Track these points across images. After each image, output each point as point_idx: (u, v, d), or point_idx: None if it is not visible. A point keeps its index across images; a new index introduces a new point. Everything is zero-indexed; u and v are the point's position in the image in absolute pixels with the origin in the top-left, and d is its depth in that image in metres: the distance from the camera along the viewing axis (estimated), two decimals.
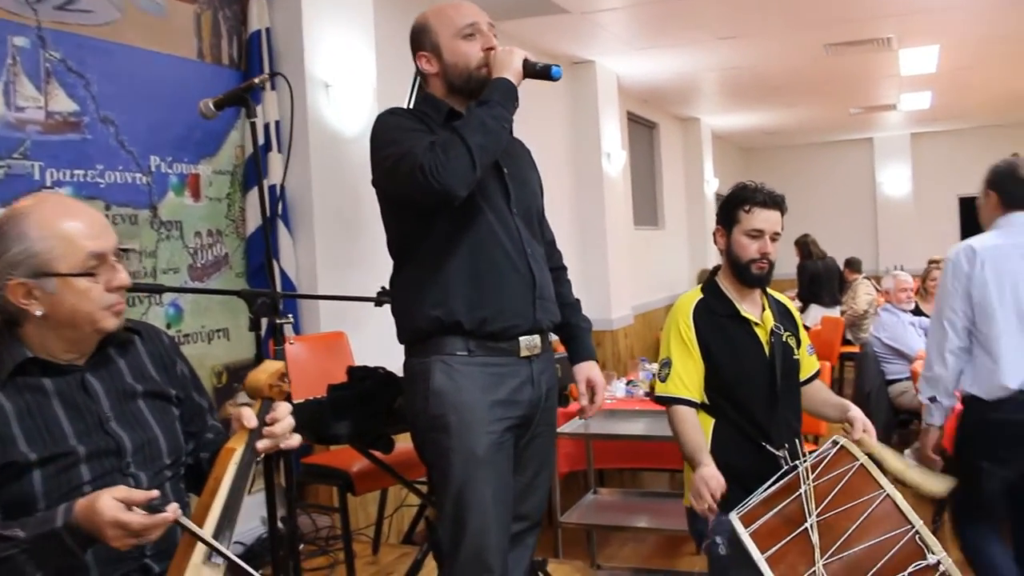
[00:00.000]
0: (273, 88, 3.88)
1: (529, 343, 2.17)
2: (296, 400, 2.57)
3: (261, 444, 1.61)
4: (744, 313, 2.53)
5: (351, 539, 3.39)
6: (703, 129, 11.03)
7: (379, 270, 2.39)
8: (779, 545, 1.92)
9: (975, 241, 2.87)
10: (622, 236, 7.72)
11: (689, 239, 10.91)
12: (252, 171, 3.79)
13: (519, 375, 2.15)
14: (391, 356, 2.47)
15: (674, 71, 7.89)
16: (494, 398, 2.10)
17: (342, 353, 3.79)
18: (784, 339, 2.57)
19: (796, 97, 9.55)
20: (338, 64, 4.08)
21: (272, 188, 3.80)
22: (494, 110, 2.03)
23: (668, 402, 2.48)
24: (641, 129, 9.47)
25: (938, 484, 2.25)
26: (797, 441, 2.54)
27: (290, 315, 2.50)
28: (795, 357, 2.60)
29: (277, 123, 3.89)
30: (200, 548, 1.44)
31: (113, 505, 1.39)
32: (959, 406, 2.95)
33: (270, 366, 1.67)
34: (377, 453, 2.92)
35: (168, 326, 3.51)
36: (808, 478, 2.02)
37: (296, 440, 1.70)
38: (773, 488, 2.13)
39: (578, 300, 2.46)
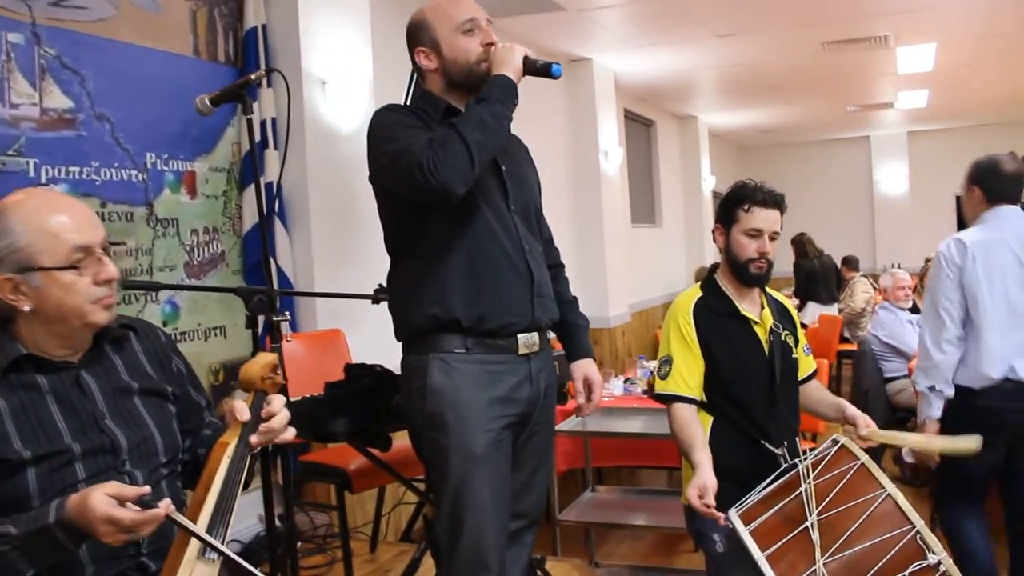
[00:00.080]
0: (270, 85, 3.86)
1: (527, 341, 2.16)
2: (293, 398, 2.56)
3: (255, 438, 1.60)
4: (743, 312, 2.52)
5: (349, 537, 3.38)
6: (700, 127, 11.02)
7: (376, 267, 2.38)
8: (779, 544, 1.92)
9: (964, 235, 2.95)
10: (619, 234, 7.71)
11: (686, 237, 10.90)
12: (249, 168, 3.78)
13: (517, 373, 2.14)
14: (389, 353, 2.46)
15: (671, 69, 7.88)
16: (492, 396, 2.09)
17: (339, 351, 3.78)
18: (783, 338, 2.56)
19: (793, 95, 9.54)
20: (335, 61, 4.07)
21: (269, 185, 3.78)
22: (494, 107, 2.02)
23: (669, 400, 2.47)
24: (638, 127, 9.46)
25: (968, 443, 2.26)
26: (796, 440, 2.54)
27: (287, 312, 2.50)
28: (794, 356, 2.60)
29: (274, 120, 3.87)
30: (194, 543, 1.43)
31: (105, 501, 1.38)
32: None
33: (263, 358, 1.67)
34: (375, 451, 2.91)
35: (164, 324, 3.50)
36: (809, 477, 2.01)
37: (291, 434, 1.69)
38: (772, 486, 2.12)
39: (575, 298, 2.45)
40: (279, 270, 3.84)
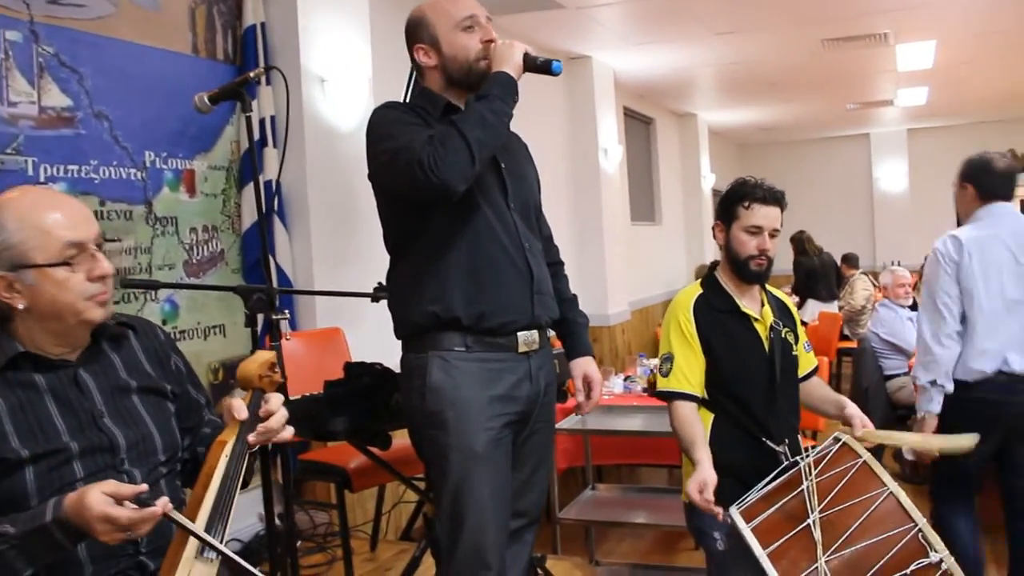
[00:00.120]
0: (268, 83, 3.86)
1: (527, 339, 2.15)
2: (293, 396, 2.56)
3: (252, 437, 1.60)
4: (744, 309, 2.52)
5: (349, 535, 3.37)
6: (700, 125, 11.01)
7: (376, 265, 2.38)
8: (781, 541, 1.91)
9: (959, 233, 3.00)
10: (619, 232, 7.70)
11: (686, 235, 10.89)
12: (248, 166, 3.77)
13: (517, 371, 2.14)
14: (388, 352, 2.45)
15: (671, 66, 7.87)
16: (492, 394, 2.09)
17: (339, 349, 3.78)
18: (783, 335, 2.56)
19: (793, 93, 9.53)
20: (334, 59, 4.06)
21: (268, 183, 3.78)
22: (494, 104, 2.01)
23: (671, 397, 2.46)
24: (638, 125, 9.45)
25: (965, 440, 2.26)
26: (797, 437, 2.54)
27: (286, 311, 2.49)
28: (794, 353, 2.59)
29: (273, 118, 3.87)
30: (192, 542, 1.43)
31: (101, 499, 1.38)
32: None
33: (260, 356, 1.66)
34: (375, 449, 2.91)
35: (164, 322, 3.50)
36: (811, 474, 2.00)
37: (289, 433, 1.68)
38: (774, 484, 2.11)
39: (575, 296, 2.44)
40: (278, 268, 3.83)
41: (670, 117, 10.48)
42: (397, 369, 2.28)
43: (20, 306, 1.57)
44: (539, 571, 3.01)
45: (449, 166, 1.93)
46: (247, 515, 3.56)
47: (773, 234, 2.51)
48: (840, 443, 2.09)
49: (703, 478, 2.20)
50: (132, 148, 3.38)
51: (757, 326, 2.52)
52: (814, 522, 1.92)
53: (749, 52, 7.42)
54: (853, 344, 7.24)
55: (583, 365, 2.34)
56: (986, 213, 3.02)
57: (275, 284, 3.72)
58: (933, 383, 2.98)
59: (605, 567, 4.22)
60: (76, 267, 1.58)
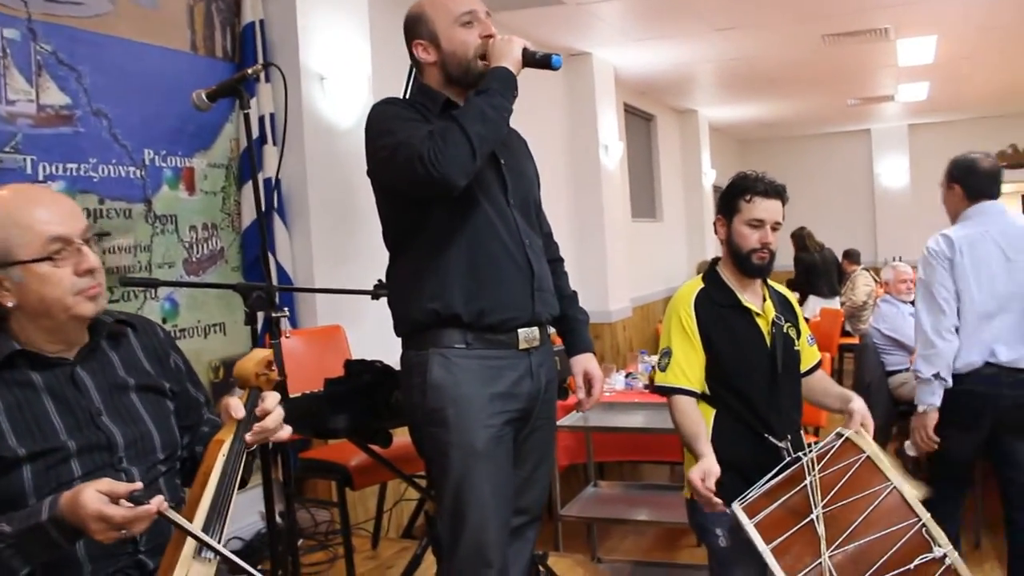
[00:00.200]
0: (268, 80, 3.85)
1: (528, 335, 2.14)
2: (293, 394, 2.55)
3: (250, 436, 1.59)
4: (745, 303, 2.50)
5: (350, 533, 3.37)
6: (700, 121, 11.00)
7: (376, 263, 2.37)
8: (784, 536, 1.90)
9: (950, 232, 3.10)
10: (620, 228, 7.69)
11: (687, 231, 10.89)
12: (247, 164, 3.76)
13: (518, 368, 2.13)
14: (389, 349, 2.44)
15: (671, 63, 7.86)
16: (493, 391, 2.08)
17: (339, 347, 3.77)
18: (785, 330, 2.54)
19: (793, 88, 9.52)
20: (333, 56, 4.05)
21: (268, 181, 3.77)
22: (494, 99, 2.00)
23: (668, 392, 2.45)
24: (638, 121, 9.44)
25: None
26: (799, 433, 2.53)
27: (286, 308, 2.48)
28: (796, 348, 2.58)
29: (272, 116, 3.86)
30: (191, 542, 1.42)
31: (96, 498, 1.37)
32: None
33: (257, 354, 1.65)
34: (376, 447, 2.90)
35: (164, 321, 3.49)
36: (814, 469, 2.00)
37: (286, 432, 1.67)
38: (776, 479, 2.11)
39: (575, 292, 2.44)
40: (279, 266, 3.82)
41: (671, 113, 10.47)
42: (398, 366, 2.27)
43: (10, 304, 1.57)
44: (541, 568, 3.00)
45: (450, 161, 1.92)
46: (249, 513, 3.56)
47: (775, 227, 2.50)
48: (843, 438, 2.09)
49: (707, 467, 2.20)
50: (131, 146, 3.38)
51: (759, 321, 2.51)
52: (817, 517, 1.92)
53: (749, 48, 7.41)
54: (855, 340, 7.23)
55: (584, 362, 2.34)
56: (975, 212, 3.10)
57: (275, 282, 3.73)
58: (936, 376, 3.02)
59: (607, 564, 4.22)
60: (61, 262, 1.57)
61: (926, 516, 1.88)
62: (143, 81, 3.42)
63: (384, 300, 2.31)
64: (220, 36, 3.83)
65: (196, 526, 1.44)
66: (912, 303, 5.41)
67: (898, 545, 1.85)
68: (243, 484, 1.63)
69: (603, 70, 7.44)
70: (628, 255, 7.89)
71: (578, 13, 6.00)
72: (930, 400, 3.06)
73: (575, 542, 4.33)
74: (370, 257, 3.46)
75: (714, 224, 2.61)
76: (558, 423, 3.88)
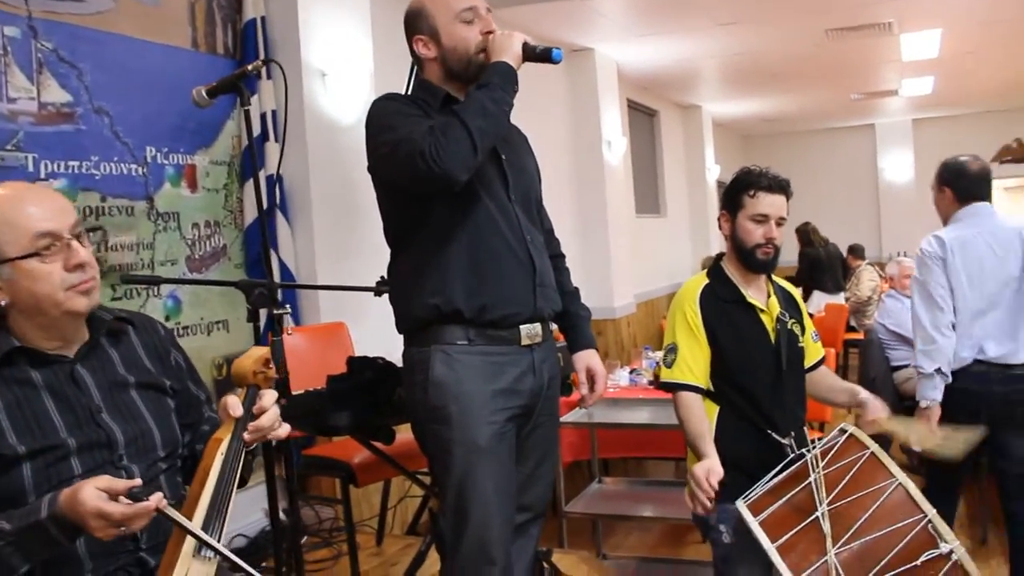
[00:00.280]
0: (269, 77, 3.84)
1: (530, 331, 2.13)
2: (296, 391, 2.55)
3: (248, 435, 1.58)
4: (750, 299, 2.49)
5: (354, 530, 3.36)
6: (704, 116, 10.98)
7: (379, 259, 2.36)
8: (789, 534, 1.89)
9: (942, 233, 3.20)
10: (624, 224, 7.68)
11: (691, 227, 10.87)
12: (249, 161, 3.76)
13: (520, 364, 2.12)
14: (392, 346, 2.44)
15: (674, 58, 7.84)
16: (495, 388, 2.07)
17: (342, 343, 3.76)
18: (789, 326, 2.53)
19: (797, 83, 9.49)
20: (334, 52, 4.04)
21: (270, 178, 3.76)
22: (494, 93, 1.99)
23: (674, 388, 2.44)
24: (642, 117, 9.42)
25: (968, 435, 2.39)
26: (803, 429, 2.52)
27: (288, 305, 2.48)
28: (800, 344, 2.57)
29: (274, 112, 3.85)
30: (190, 540, 1.41)
31: (95, 495, 1.37)
32: None
33: (255, 352, 1.65)
34: (379, 444, 2.89)
35: (167, 318, 3.49)
36: (818, 466, 1.99)
37: (284, 430, 1.67)
38: (780, 477, 2.10)
39: (577, 288, 2.43)
40: (281, 263, 3.82)
41: (674, 109, 10.45)
42: (400, 363, 2.26)
43: (3, 302, 1.57)
44: (545, 565, 2.99)
45: (451, 156, 1.91)
46: (253, 511, 3.55)
47: (779, 222, 2.49)
48: (847, 435, 2.08)
49: (711, 465, 2.19)
50: (133, 143, 3.37)
51: (763, 317, 2.50)
52: (823, 515, 1.91)
53: (753, 43, 7.39)
54: (860, 335, 7.21)
55: (586, 358, 2.33)
56: (965, 214, 3.19)
57: (278, 279, 3.73)
58: (938, 371, 3.09)
59: (612, 560, 4.21)
60: (49, 257, 1.57)
61: (932, 512, 1.86)
62: (144, 78, 3.42)
63: (387, 297, 2.30)
64: (221, 33, 3.82)
65: (195, 525, 1.43)
66: None
67: (904, 541, 1.84)
68: (243, 483, 1.62)
69: (606, 66, 7.42)
70: (632, 251, 7.88)
71: (581, 9, 5.99)
72: (932, 395, 3.11)
73: (580, 538, 4.32)
74: (373, 253, 3.45)
75: (718, 220, 2.60)
76: (562, 419, 3.88)
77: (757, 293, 2.53)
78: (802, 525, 1.90)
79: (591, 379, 2.31)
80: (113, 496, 1.37)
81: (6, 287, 1.56)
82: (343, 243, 4.03)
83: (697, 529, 2.63)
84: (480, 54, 2.10)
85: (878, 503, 1.89)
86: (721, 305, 2.49)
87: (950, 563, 1.84)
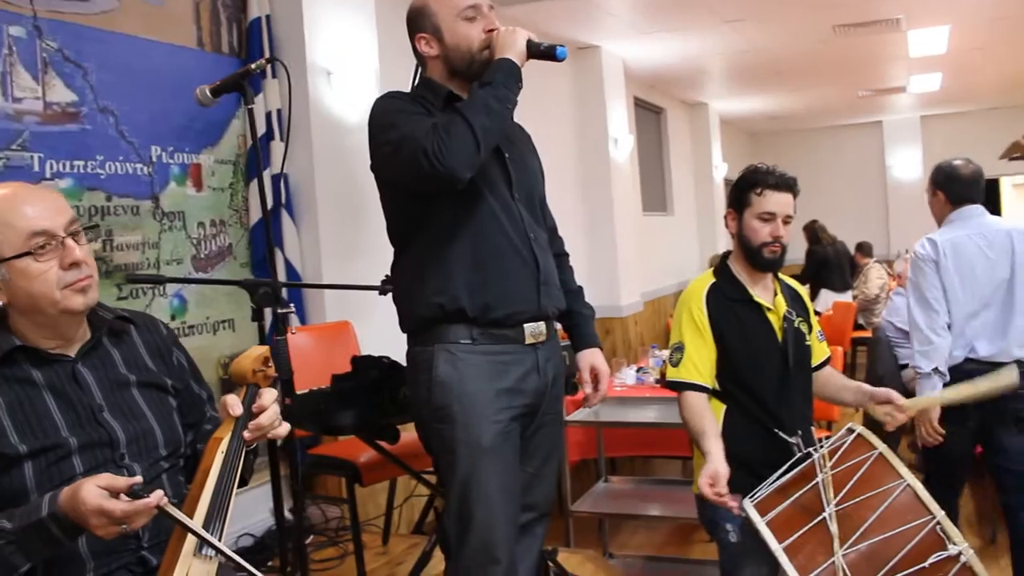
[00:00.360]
0: (274, 76, 3.83)
1: (534, 330, 2.12)
2: (300, 391, 2.54)
3: (248, 434, 1.58)
4: (756, 298, 2.48)
5: (360, 530, 3.35)
6: (711, 114, 10.95)
7: (385, 258, 2.36)
8: (796, 535, 1.88)
9: (935, 236, 3.26)
10: (631, 222, 7.66)
11: (698, 225, 10.84)
12: (254, 160, 3.75)
13: (524, 363, 2.11)
14: (398, 345, 2.42)
15: (681, 55, 7.81)
16: (499, 387, 2.06)
17: (348, 343, 3.76)
18: (796, 324, 2.52)
19: (804, 80, 9.46)
20: (340, 51, 4.03)
21: (276, 177, 3.76)
22: (498, 91, 1.98)
23: (680, 387, 2.43)
24: (648, 115, 9.40)
25: (1007, 375, 2.43)
26: (810, 428, 2.50)
27: (292, 304, 2.47)
28: (807, 343, 2.56)
29: (279, 111, 3.85)
30: (191, 539, 1.41)
31: (96, 493, 1.37)
32: None
33: (254, 351, 1.65)
34: (383, 443, 2.89)
35: (173, 318, 3.49)
36: (825, 466, 1.97)
37: (284, 429, 1.66)
38: (787, 476, 2.08)
39: (581, 287, 2.42)
40: (287, 262, 3.82)
41: (681, 107, 10.43)
42: (405, 362, 2.25)
43: (1, 302, 1.57)
44: (550, 564, 2.98)
45: (454, 154, 1.90)
46: (260, 510, 3.55)
47: (786, 221, 2.47)
48: (854, 434, 2.06)
49: (714, 470, 2.17)
50: (138, 143, 3.37)
51: (770, 316, 2.48)
52: (830, 515, 1.89)
53: (759, 40, 7.36)
54: (867, 333, 7.18)
55: (590, 357, 2.32)
56: (957, 216, 3.26)
57: (284, 278, 3.72)
58: (935, 370, 3.15)
59: (619, 560, 4.20)
60: (43, 256, 1.57)
61: (940, 514, 1.85)
62: (150, 78, 3.41)
63: (391, 296, 2.29)
64: (226, 32, 3.82)
65: (196, 523, 1.43)
66: None
67: (912, 543, 1.82)
68: (244, 483, 1.62)
69: (612, 63, 7.40)
70: (639, 249, 7.86)
71: (587, 6, 5.97)
72: (932, 394, 3.14)
73: (586, 538, 4.31)
74: (378, 252, 3.44)
75: (725, 218, 2.59)
76: (569, 418, 3.89)
77: (764, 292, 2.51)
78: (809, 525, 1.89)
79: (595, 378, 2.30)
80: (114, 494, 1.37)
81: (3, 287, 1.57)
82: (349, 242, 4.02)
83: (704, 528, 2.62)
84: (483, 51, 2.09)
85: (886, 504, 1.87)
86: (728, 304, 2.48)
87: (959, 565, 1.82)
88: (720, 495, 2.13)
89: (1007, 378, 2.41)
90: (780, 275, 2.60)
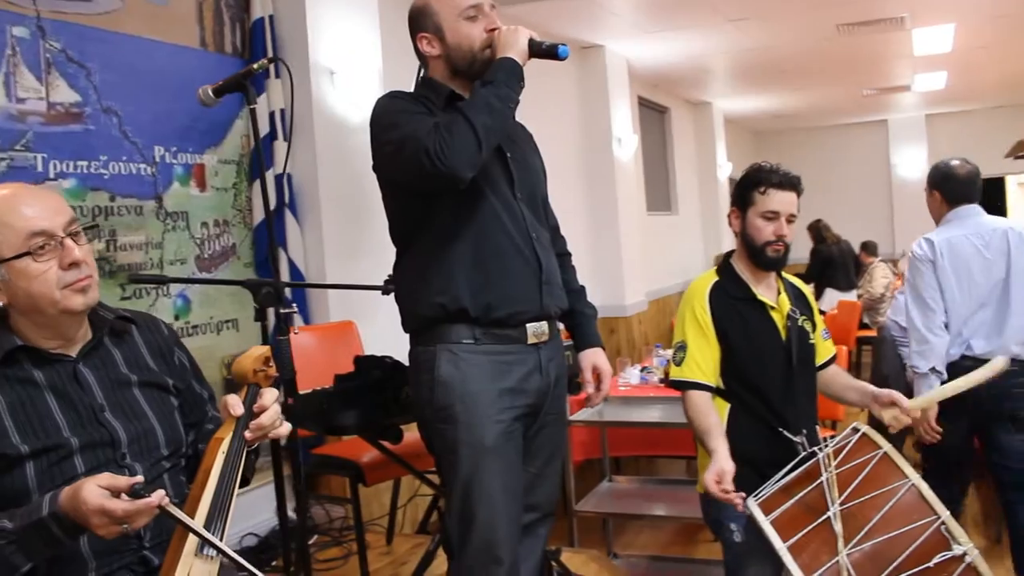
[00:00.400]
0: (278, 76, 3.83)
1: (536, 330, 2.12)
2: (303, 391, 2.54)
3: (249, 434, 1.58)
4: (760, 296, 2.47)
5: (363, 530, 3.35)
6: (715, 113, 10.93)
7: (388, 258, 2.36)
8: (801, 534, 1.87)
9: (932, 236, 3.30)
10: (635, 222, 7.65)
11: (702, 224, 10.83)
12: (258, 160, 3.75)
13: (527, 363, 2.11)
14: (402, 345, 2.42)
15: (685, 55, 7.80)
16: (502, 387, 2.06)
17: (351, 342, 3.76)
18: (800, 323, 2.51)
19: (809, 79, 9.44)
20: (343, 51, 4.03)
21: (279, 177, 3.76)
22: (500, 90, 1.98)
23: (683, 386, 2.43)
24: (652, 114, 9.39)
25: (995, 364, 2.41)
26: (815, 427, 2.49)
27: (295, 304, 2.47)
28: (811, 341, 2.55)
29: (283, 111, 3.85)
30: (192, 539, 1.41)
31: (97, 492, 1.37)
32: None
33: (255, 351, 1.65)
34: (387, 443, 2.88)
35: (176, 318, 3.49)
36: (830, 465, 1.96)
37: (285, 429, 1.66)
38: (792, 475, 2.07)
39: (583, 287, 2.41)
40: (290, 262, 3.81)
41: (685, 106, 10.41)
42: (407, 362, 2.25)
43: (1, 303, 1.57)
44: (554, 565, 2.98)
45: (456, 153, 1.90)
46: (264, 510, 3.55)
47: (790, 219, 2.47)
48: (859, 433, 2.05)
49: (720, 468, 2.16)
50: (141, 143, 3.37)
51: (774, 314, 2.48)
52: (834, 515, 1.88)
53: (763, 38, 7.35)
54: (872, 332, 7.17)
55: (592, 356, 2.32)
56: (954, 216, 3.30)
57: (288, 278, 3.72)
58: (932, 370, 3.18)
59: (623, 559, 4.19)
60: (42, 257, 1.57)
61: (945, 514, 1.84)
62: (153, 78, 3.42)
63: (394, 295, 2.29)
64: (230, 32, 3.82)
65: (197, 523, 1.42)
66: None
67: (917, 543, 1.81)
68: (245, 483, 1.62)
69: (616, 63, 7.39)
70: (643, 248, 7.85)
71: (590, 6, 5.97)
72: (929, 393, 3.12)
73: (590, 537, 4.31)
74: (382, 252, 3.43)
75: (728, 217, 2.59)
76: (573, 418, 3.88)
77: (767, 290, 2.51)
78: (813, 525, 1.88)
79: (597, 378, 2.30)
80: (115, 493, 1.37)
81: (3, 287, 1.57)
82: (352, 242, 4.02)
83: (708, 528, 2.62)
84: (485, 51, 2.09)
85: (891, 503, 1.86)
86: (731, 302, 2.47)
87: (963, 565, 1.82)
88: (726, 492, 2.12)
89: (998, 364, 2.42)
90: (783, 274, 2.60)
